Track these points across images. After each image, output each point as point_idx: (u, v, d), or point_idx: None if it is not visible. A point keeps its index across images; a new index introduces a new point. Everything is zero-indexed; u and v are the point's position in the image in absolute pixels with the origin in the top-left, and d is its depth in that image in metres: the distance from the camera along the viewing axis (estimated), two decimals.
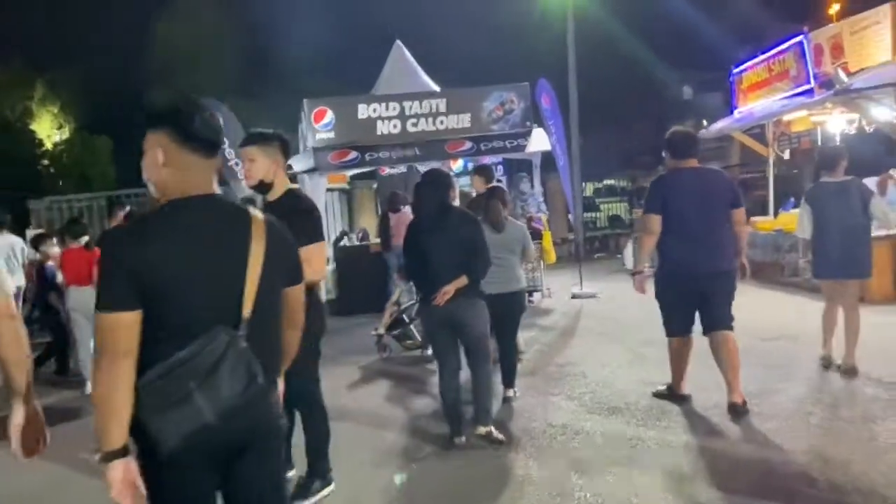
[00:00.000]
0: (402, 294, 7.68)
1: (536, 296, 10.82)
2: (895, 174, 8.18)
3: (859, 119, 9.68)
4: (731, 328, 5.07)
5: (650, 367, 6.43)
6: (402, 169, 12.73)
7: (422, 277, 4.83)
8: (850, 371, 5.76)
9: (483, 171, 7.34)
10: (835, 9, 18.05)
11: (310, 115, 10.54)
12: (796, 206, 11.86)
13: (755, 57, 11.71)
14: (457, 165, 12.56)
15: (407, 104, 10.70)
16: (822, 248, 5.98)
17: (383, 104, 10.68)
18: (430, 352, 7.06)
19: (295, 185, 4.18)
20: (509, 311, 5.59)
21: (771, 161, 12.15)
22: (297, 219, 3.16)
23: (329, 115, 10.56)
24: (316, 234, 3.74)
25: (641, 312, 9.15)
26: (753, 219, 11.84)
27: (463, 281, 4.58)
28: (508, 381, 5.73)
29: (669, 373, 5.52)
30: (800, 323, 7.76)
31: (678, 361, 5.33)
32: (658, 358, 6.50)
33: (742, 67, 12.26)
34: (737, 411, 4.91)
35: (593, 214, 21.03)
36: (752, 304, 9.10)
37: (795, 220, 11.11)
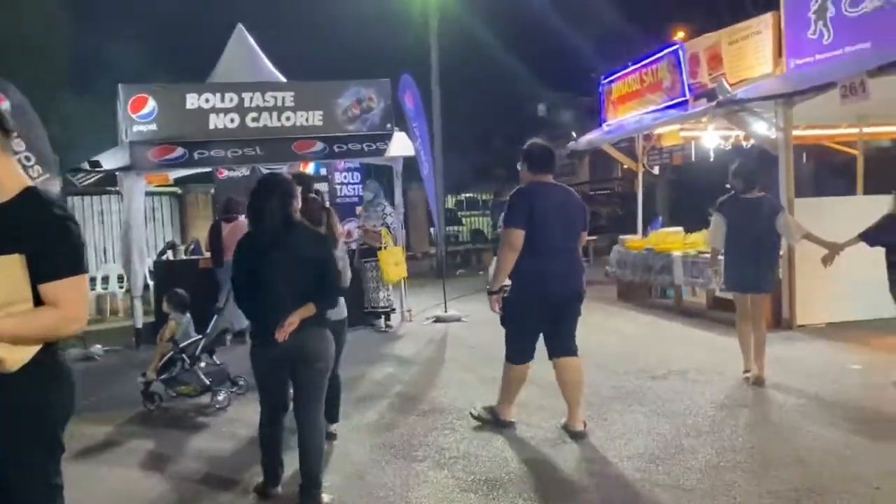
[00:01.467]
0: (179, 328, 6.13)
1: (395, 319, 9.60)
2: None
3: (735, 135, 9.30)
4: (577, 353, 5.01)
5: (533, 413, 5.36)
6: (243, 172, 11.15)
7: (254, 305, 4.02)
8: (758, 382, 5.84)
9: (299, 179, 6.07)
10: (680, 35, 18.31)
11: (126, 103, 8.81)
12: (665, 224, 11.44)
13: (626, 67, 11.16)
14: (307, 169, 11.11)
15: (247, 95, 9.21)
16: (734, 261, 6.07)
17: (218, 94, 9.13)
18: (220, 397, 5.95)
19: (31, 184, 2.66)
20: (341, 340, 4.86)
21: (640, 176, 11.66)
22: (41, 235, 2.21)
23: (150, 104, 8.87)
24: (73, 262, 2.29)
25: None
26: (623, 237, 11.26)
27: (310, 310, 3.87)
28: (332, 416, 4.98)
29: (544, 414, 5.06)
30: (684, 354, 7.02)
31: (516, 389, 5.08)
32: (543, 401, 5.45)
33: (612, 77, 11.71)
34: (578, 436, 4.83)
35: (455, 228, 20.17)
36: (629, 331, 8.40)
37: (665, 240, 10.75)
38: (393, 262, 8.99)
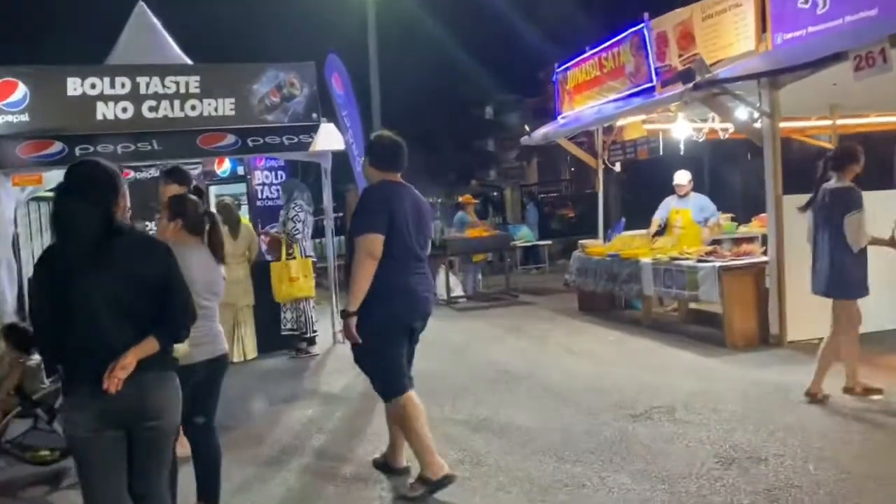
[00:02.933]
0: (26, 374, 4.67)
1: (322, 342, 8.24)
2: None
3: (710, 126, 8.23)
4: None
5: (491, 474, 4.09)
6: (152, 172, 9.61)
7: (64, 347, 2.78)
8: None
9: (175, 175, 4.78)
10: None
11: None
12: (631, 226, 10.33)
13: (583, 52, 10.02)
14: (223, 168, 9.67)
15: (142, 80, 7.72)
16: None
17: (106, 78, 7.62)
18: None
19: None
20: (212, 384, 3.69)
21: (600, 174, 10.53)
22: None
23: (21, 90, 7.33)
24: None
25: (462, 363, 7.02)
26: (583, 242, 10.11)
27: (150, 347, 2.79)
28: (208, 496, 3.70)
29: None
30: (666, 384, 5.83)
31: (423, 425, 4.09)
32: (503, 446, 4.19)
33: (568, 65, 10.56)
34: (403, 472, 4.25)
35: None
36: (597, 352, 7.14)
37: (631, 244, 9.63)
38: (287, 276, 7.64)
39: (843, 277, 5.19)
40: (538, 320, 9.37)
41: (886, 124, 10.69)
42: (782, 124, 8.24)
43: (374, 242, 3.89)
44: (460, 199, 13.43)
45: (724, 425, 4.76)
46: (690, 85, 6.76)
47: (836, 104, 8.65)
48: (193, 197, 3.79)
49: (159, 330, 2.82)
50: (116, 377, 2.66)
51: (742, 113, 7.16)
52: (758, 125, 7.06)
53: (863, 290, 5.25)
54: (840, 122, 9.55)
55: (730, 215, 10.39)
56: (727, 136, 8.22)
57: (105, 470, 2.78)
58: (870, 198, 5.26)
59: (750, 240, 9.67)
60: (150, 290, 2.82)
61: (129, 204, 3.08)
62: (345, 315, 3.98)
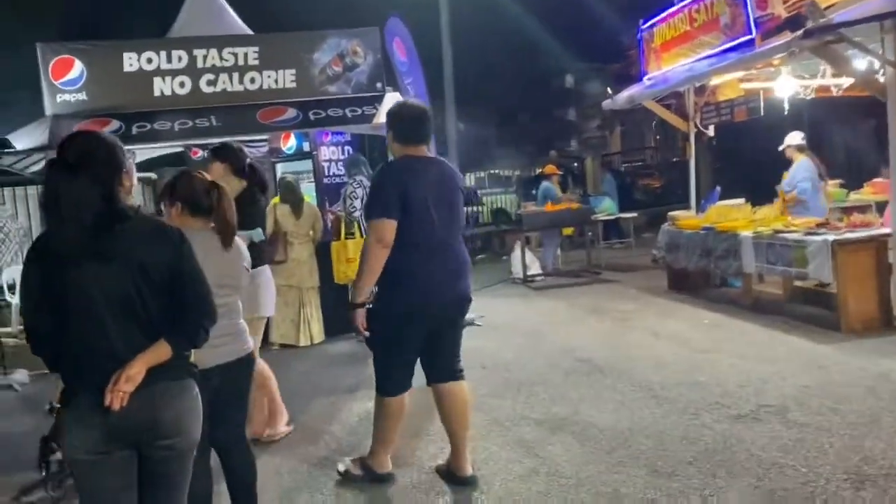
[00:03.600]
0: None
1: None
2: None
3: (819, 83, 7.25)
4: (464, 376, 3.88)
5: (571, 488, 3.51)
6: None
7: (60, 352, 2.37)
8: None
9: (221, 153, 4.48)
10: None
11: (47, 67, 7.04)
12: (724, 196, 9.41)
13: (671, 6, 9.11)
14: (288, 144, 9.30)
15: (199, 53, 7.36)
16: None
17: (163, 52, 7.29)
18: None
19: None
20: (234, 391, 3.18)
21: (692, 139, 9.63)
22: None
23: (77, 68, 7.09)
24: None
25: (538, 350, 6.41)
26: (673, 214, 9.28)
27: (162, 353, 2.36)
28: None
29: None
30: (773, 374, 5.06)
31: (392, 429, 3.85)
32: (586, 453, 3.60)
33: (654, 21, 9.66)
34: (468, 483, 3.75)
35: (475, 208, 18.25)
36: (691, 338, 6.27)
37: (728, 216, 8.74)
38: (346, 256, 7.18)
39: None
40: (623, 300, 8.65)
41: None
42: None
43: (384, 229, 3.51)
44: (543, 169, 12.69)
45: (849, 430, 4.01)
46: (800, 32, 5.86)
47: None
48: (199, 173, 3.26)
49: (173, 332, 2.39)
50: (121, 391, 2.24)
51: (862, 63, 6.21)
52: (881, 77, 6.10)
53: None
54: None
55: (838, 181, 9.37)
56: (840, 92, 7.22)
57: (113, 497, 2.37)
58: None
59: (863, 209, 8.68)
60: (160, 284, 2.37)
61: (135, 182, 2.63)
62: (351, 307, 3.68)
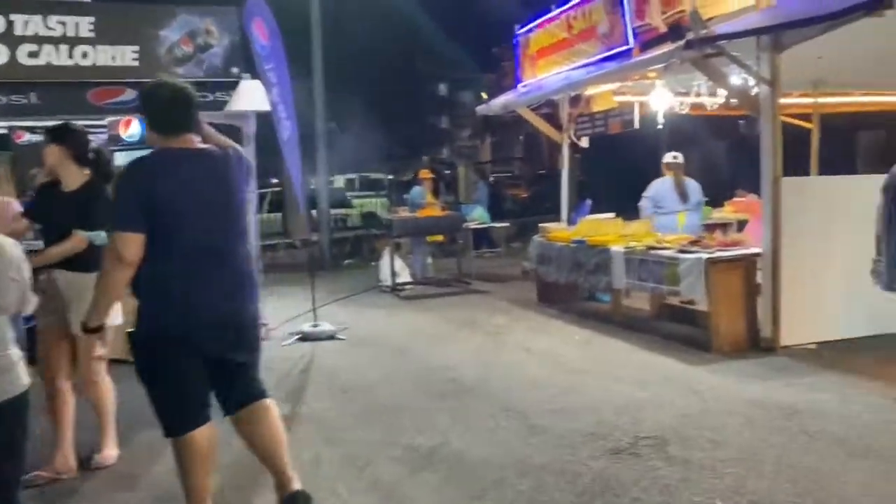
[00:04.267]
0: None
1: None
2: None
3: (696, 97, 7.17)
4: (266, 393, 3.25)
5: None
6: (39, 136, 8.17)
7: None
8: None
9: (61, 135, 3.91)
10: None
11: None
12: (595, 210, 9.29)
13: (548, 11, 8.88)
14: (129, 132, 8.25)
15: (19, 19, 6.33)
16: None
17: None
18: None
19: None
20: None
21: (565, 150, 9.46)
22: None
23: None
24: None
25: (404, 369, 5.85)
26: (545, 225, 9.04)
27: None
28: None
29: None
30: (650, 400, 4.78)
31: (201, 474, 3.05)
32: (456, 496, 3.08)
33: (529, 26, 9.43)
34: (298, 500, 3.16)
35: (344, 211, 17.55)
36: (563, 356, 5.80)
37: (600, 230, 8.59)
38: None
39: None
40: (494, 313, 8.29)
41: (873, 104, 9.90)
42: None
43: (124, 243, 2.85)
44: (417, 174, 12.24)
45: (733, 468, 3.72)
46: (682, 42, 5.69)
47: (820, 80, 7.77)
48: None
49: None
50: None
51: (738, 79, 6.14)
52: (755, 93, 6.05)
53: None
54: (822, 100, 8.72)
55: (704, 199, 9.47)
56: (714, 107, 7.21)
57: None
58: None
59: (724, 226, 8.79)
60: None
61: None
62: (84, 330, 3.06)
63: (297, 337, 7.13)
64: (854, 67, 7.31)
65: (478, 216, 13.12)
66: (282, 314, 8.12)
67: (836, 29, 5.15)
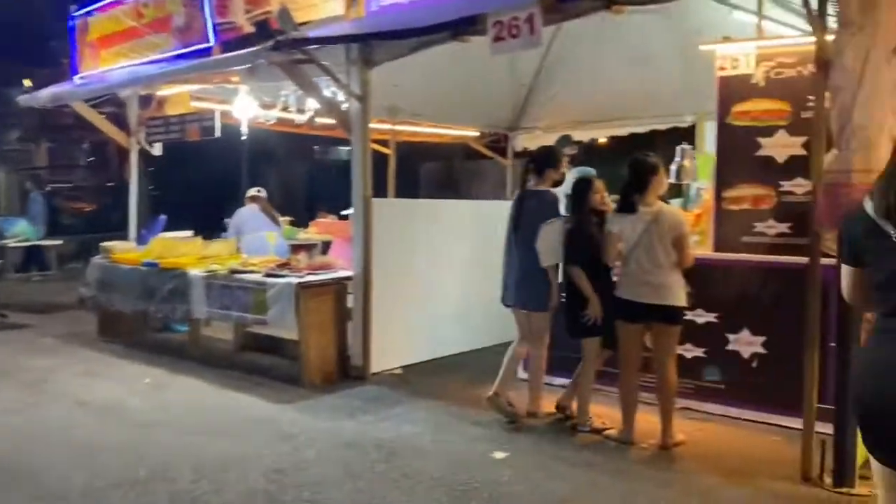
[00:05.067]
0: None
1: None
2: None
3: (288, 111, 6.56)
4: None
5: None
6: None
7: None
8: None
9: None
10: None
11: None
12: (171, 228, 8.14)
13: None
14: None
15: None
16: None
17: None
18: None
19: None
20: None
21: (134, 158, 8.15)
22: None
23: None
24: None
25: None
26: (107, 245, 7.61)
27: None
28: None
29: None
30: (231, 455, 3.99)
31: None
32: None
33: (90, 9, 7.93)
34: None
35: None
36: (134, 407, 4.51)
37: (175, 250, 7.48)
38: None
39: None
40: (36, 353, 6.63)
41: (438, 136, 10.58)
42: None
43: None
44: None
45: None
46: (270, 42, 5.07)
47: (395, 107, 7.98)
48: None
49: None
50: None
51: (329, 92, 5.76)
52: (345, 108, 5.74)
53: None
54: (399, 128, 9.02)
55: (289, 218, 9.07)
56: (303, 122, 6.75)
57: None
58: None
59: (310, 247, 8.51)
60: None
61: None
62: None
63: None
64: (424, 100, 7.66)
65: (21, 231, 10.83)
66: None
67: (421, 51, 5.11)
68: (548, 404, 4.79)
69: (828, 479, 3.57)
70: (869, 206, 1.86)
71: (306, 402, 5.15)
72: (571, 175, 5.15)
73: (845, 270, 2.02)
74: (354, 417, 4.80)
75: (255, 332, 6.61)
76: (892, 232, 1.76)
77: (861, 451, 3.52)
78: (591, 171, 5.38)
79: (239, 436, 4.43)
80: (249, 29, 6.14)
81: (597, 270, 4.31)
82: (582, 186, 4.46)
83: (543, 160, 4.72)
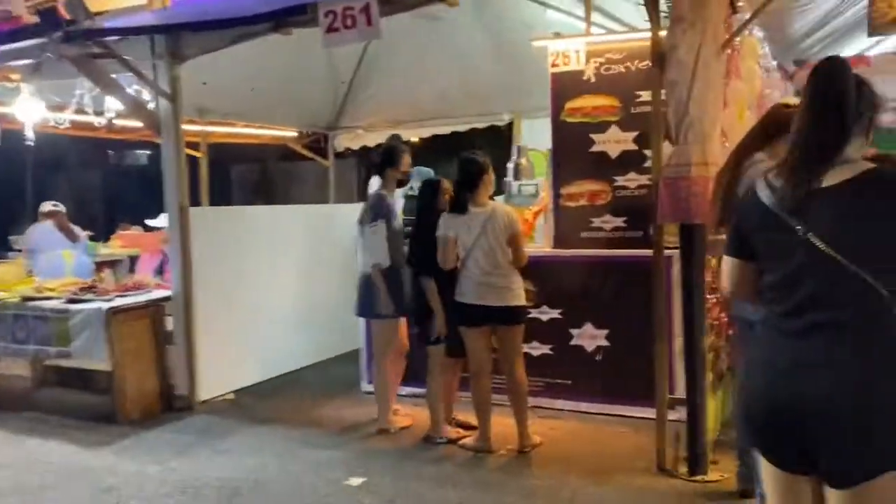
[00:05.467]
0: None
1: None
2: None
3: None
4: None
5: None
6: None
7: None
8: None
9: None
10: None
11: None
12: None
13: None
14: None
15: None
16: None
17: None
18: None
19: None
20: None
21: None
22: None
23: None
24: None
25: None
26: None
27: None
28: None
29: None
30: None
31: None
32: None
33: None
34: None
35: None
36: None
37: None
38: None
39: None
40: None
41: (252, 137, 9.97)
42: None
43: None
44: None
45: None
46: (59, 33, 4.37)
47: (204, 107, 7.37)
48: None
49: None
50: None
51: (133, 91, 5.11)
52: (152, 107, 5.12)
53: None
54: (210, 129, 8.37)
55: (88, 233, 8.08)
56: (103, 125, 5.93)
57: None
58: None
59: (115, 263, 7.68)
60: None
61: None
62: None
63: None
64: (237, 99, 7.11)
65: None
66: None
67: (237, 45, 4.67)
68: (403, 417, 4.58)
69: (682, 469, 3.63)
70: (765, 197, 1.75)
71: (125, 443, 4.52)
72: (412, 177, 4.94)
73: (732, 263, 1.91)
74: (185, 455, 4.27)
75: (57, 364, 5.77)
76: (799, 227, 1.67)
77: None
78: (430, 171, 5.19)
79: (47, 492, 3.77)
80: (31, 19, 5.28)
81: (448, 277, 4.12)
82: (429, 189, 4.27)
83: (382, 160, 4.48)
